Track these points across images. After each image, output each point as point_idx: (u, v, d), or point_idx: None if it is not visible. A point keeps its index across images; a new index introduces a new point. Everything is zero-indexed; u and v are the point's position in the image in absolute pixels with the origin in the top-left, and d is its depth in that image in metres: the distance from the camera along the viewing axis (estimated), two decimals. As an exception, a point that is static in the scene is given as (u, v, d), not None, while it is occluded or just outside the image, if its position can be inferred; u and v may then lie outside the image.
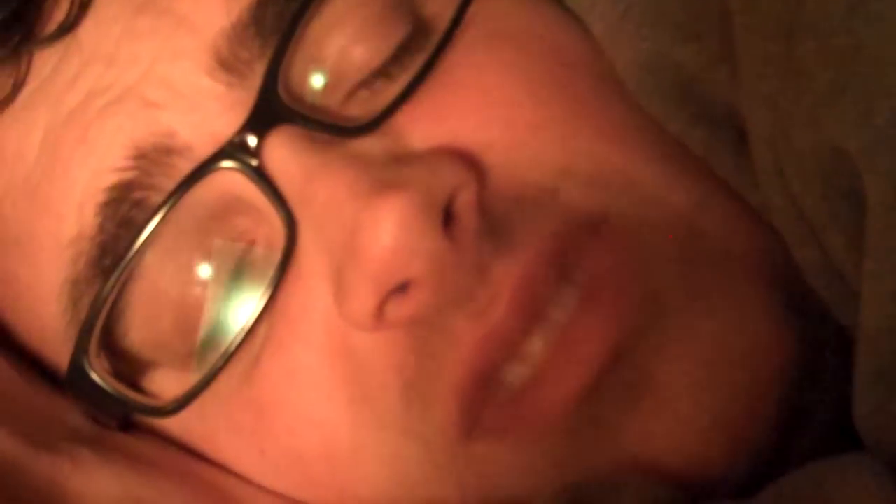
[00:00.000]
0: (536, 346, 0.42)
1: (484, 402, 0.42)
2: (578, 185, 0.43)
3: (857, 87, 0.36)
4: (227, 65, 0.43)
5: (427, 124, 0.44)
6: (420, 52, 0.45)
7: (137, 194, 0.43)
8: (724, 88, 0.41)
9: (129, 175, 0.43)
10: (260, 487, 0.46)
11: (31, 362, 0.48)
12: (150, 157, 0.43)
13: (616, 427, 0.42)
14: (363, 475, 0.44)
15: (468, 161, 0.43)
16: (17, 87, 0.44)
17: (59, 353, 0.46)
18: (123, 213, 0.43)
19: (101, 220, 0.43)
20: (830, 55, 0.37)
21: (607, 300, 0.42)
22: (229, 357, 0.43)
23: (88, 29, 0.44)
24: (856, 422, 0.39)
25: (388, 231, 0.40)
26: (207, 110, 0.43)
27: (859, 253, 0.37)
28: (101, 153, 0.43)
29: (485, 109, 0.44)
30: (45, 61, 0.44)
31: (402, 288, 0.41)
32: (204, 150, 0.43)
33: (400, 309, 0.41)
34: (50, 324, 0.46)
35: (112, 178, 0.43)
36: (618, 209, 0.43)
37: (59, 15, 0.44)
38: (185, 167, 0.43)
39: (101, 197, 0.43)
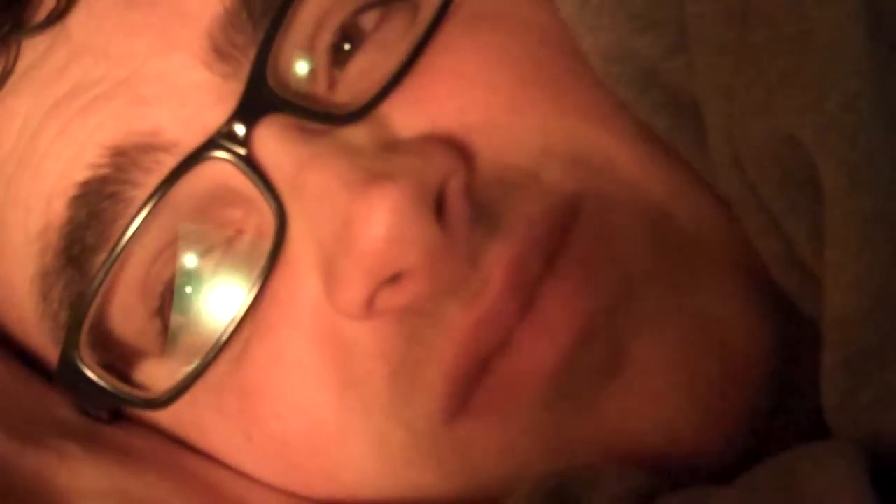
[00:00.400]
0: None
1: (472, 385, 0.42)
2: (559, 166, 0.43)
3: (808, 73, 0.36)
4: (223, 52, 0.43)
5: (411, 110, 0.44)
6: (406, 37, 0.45)
7: (111, 188, 0.43)
8: (683, 77, 0.41)
9: (102, 171, 0.43)
10: (247, 478, 0.47)
11: (15, 354, 0.48)
12: (129, 154, 0.43)
13: (592, 403, 0.42)
14: (348, 460, 0.44)
15: (455, 148, 0.43)
16: (4, 76, 0.44)
17: (40, 344, 0.46)
18: (95, 205, 0.43)
19: (71, 212, 0.44)
20: (782, 42, 0.36)
21: (578, 275, 0.42)
22: (220, 348, 0.43)
23: (80, 21, 0.44)
24: (825, 412, 0.38)
25: (382, 222, 0.40)
26: (200, 104, 0.43)
27: (820, 242, 0.37)
28: (76, 148, 0.44)
29: (465, 93, 0.44)
30: (32, 50, 0.44)
31: (393, 278, 0.41)
32: (192, 144, 0.43)
33: (392, 299, 0.41)
34: (27, 316, 0.46)
35: (86, 174, 0.43)
36: (595, 189, 0.43)
37: (49, 3, 0.44)
38: (169, 163, 0.43)
39: (72, 191, 0.44)
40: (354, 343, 0.43)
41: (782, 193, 0.38)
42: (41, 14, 0.44)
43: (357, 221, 0.40)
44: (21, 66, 0.45)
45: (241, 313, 0.43)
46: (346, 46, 0.45)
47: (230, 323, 0.43)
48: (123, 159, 0.43)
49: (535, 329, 0.42)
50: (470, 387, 0.42)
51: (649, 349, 0.42)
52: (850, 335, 0.37)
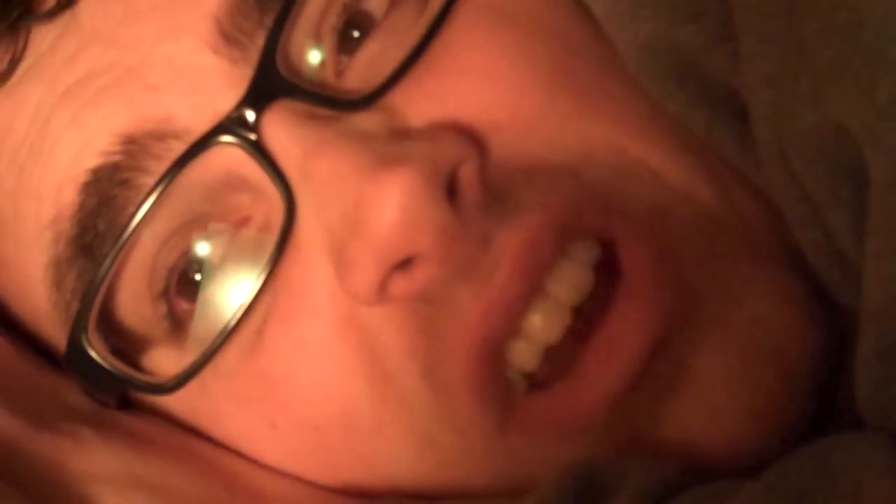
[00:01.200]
0: (536, 321, 0.42)
1: (495, 380, 0.42)
2: (602, 172, 0.43)
3: (858, 64, 0.36)
4: (231, 37, 0.43)
5: (429, 103, 0.44)
6: (416, 25, 0.44)
7: (123, 175, 0.43)
8: (725, 69, 0.41)
9: (114, 158, 0.43)
10: (261, 466, 0.46)
11: (28, 341, 0.48)
12: (140, 142, 0.43)
13: (653, 420, 0.42)
14: (387, 450, 0.44)
15: (469, 136, 0.43)
16: (14, 63, 0.44)
17: (53, 333, 0.46)
18: (106, 191, 0.43)
19: (81, 198, 0.43)
20: (831, 32, 0.36)
21: (647, 291, 0.42)
22: (228, 334, 0.43)
23: (89, 8, 0.44)
24: (858, 402, 0.38)
25: (394, 205, 0.40)
26: (210, 89, 0.43)
27: (862, 233, 0.37)
28: (88, 136, 0.43)
29: (490, 92, 0.44)
30: (42, 38, 0.44)
31: (405, 263, 0.41)
32: (204, 130, 0.43)
33: (405, 284, 0.41)
34: (38, 303, 0.46)
35: (96, 161, 0.43)
36: (644, 200, 0.43)
37: None
38: (180, 149, 0.43)
39: (83, 178, 0.43)
40: (377, 333, 0.42)
41: (827, 183, 0.38)
42: (51, 1, 0.44)
43: (369, 205, 0.40)
44: (32, 54, 0.44)
45: (250, 300, 0.43)
46: (356, 34, 0.45)
47: (238, 309, 0.43)
48: (135, 146, 0.43)
49: (602, 350, 0.42)
50: (489, 382, 0.42)
51: (710, 361, 0.42)
52: (886, 326, 0.37)
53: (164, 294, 0.45)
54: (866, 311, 0.37)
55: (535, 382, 0.43)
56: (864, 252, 0.37)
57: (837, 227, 0.38)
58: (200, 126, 0.43)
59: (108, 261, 0.43)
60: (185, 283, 0.45)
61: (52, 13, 0.44)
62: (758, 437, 0.43)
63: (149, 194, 0.42)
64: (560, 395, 0.42)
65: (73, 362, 0.45)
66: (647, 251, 0.42)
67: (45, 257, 0.45)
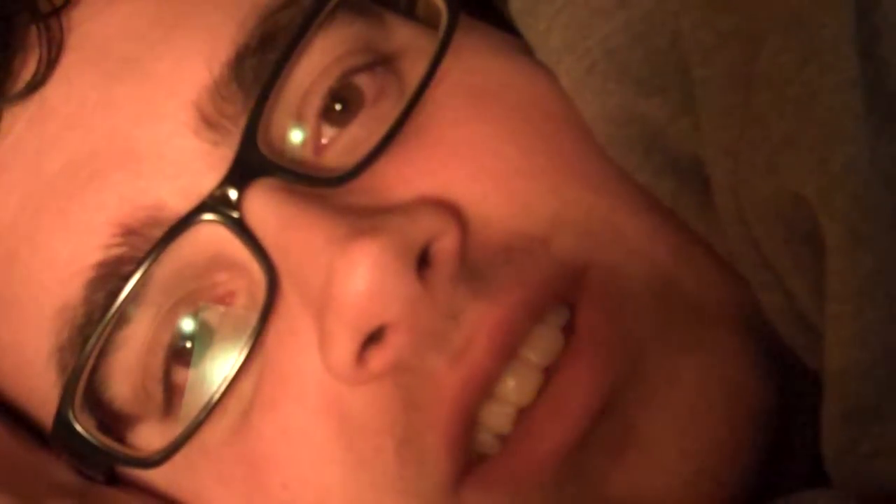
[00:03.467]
0: (510, 384, 0.43)
1: (469, 445, 0.43)
2: (570, 236, 0.44)
3: (812, 134, 0.37)
4: (212, 122, 0.44)
5: (411, 179, 0.44)
6: (397, 105, 0.45)
7: (126, 269, 0.43)
8: (688, 139, 0.42)
9: (116, 251, 0.44)
10: None
11: (16, 418, 0.48)
12: (140, 232, 0.43)
13: (602, 478, 0.43)
14: None
15: (450, 210, 0.43)
16: None
17: (45, 411, 0.46)
18: (112, 286, 0.43)
19: (87, 293, 0.44)
20: (786, 104, 0.38)
21: (594, 352, 0.42)
22: (211, 409, 0.44)
23: (60, 93, 0.45)
24: (825, 463, 0.39)
25: (362, 276, 0.40)
26: (194, 172, 0.43)
27: (822, 297, 0.38)
28: (84, 230, 0.44)
29: (470, 165, 0.44)
30: (15, 120, 0.45)
31: (380, 335, 0.41)
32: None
33: (380, 356, 0.42)
34: (37, 385, 0.46)
35: (98, 255, 0.44)
36: (603, 260, 0.44)
37: (26, 75, 0.45)
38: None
39: (88, 273, 0.44)
40: (359, 417, 0.43)
41: (786, 249, 0.39)
42: (19, 85, 0.45)
43: (338, 275, 0.41)
44: (8, 141, 0.45)
45: (232, 374, 0.43)
46: (338, 107, 0.45)
47: (222, 383, 0.43)
48: (135, 238, 0.44)
49: (550, 408, 0.42)
50: (466, 445, 0.43)
51: (660, 419, 0.43)
52: (849, 388, 0.38)
53: (164, 375, 0.45)
54: (829, 373, 0.38)
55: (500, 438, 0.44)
56: (825, 316, 0.38)
57: (798, 291, 0.39)
58: (189, 208, 0.43)
59: (93, 339, 0.43)
60: (177, 360, 0.45)
61: (22, 95, 0.44)
62: (709, 495, 0.43)
63: (134, 272, 0.43)
64: (511, 451, 0.43)
65: (59, 438, 0.45)
66: (600, 315, 0.43)
67: (50, 344, 0.45)
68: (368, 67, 0.46)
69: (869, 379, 0.37)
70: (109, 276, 0.44)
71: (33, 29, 0.45)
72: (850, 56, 0.37)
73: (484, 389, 0.42)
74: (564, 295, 0.43)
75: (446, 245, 0.42)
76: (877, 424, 0.38)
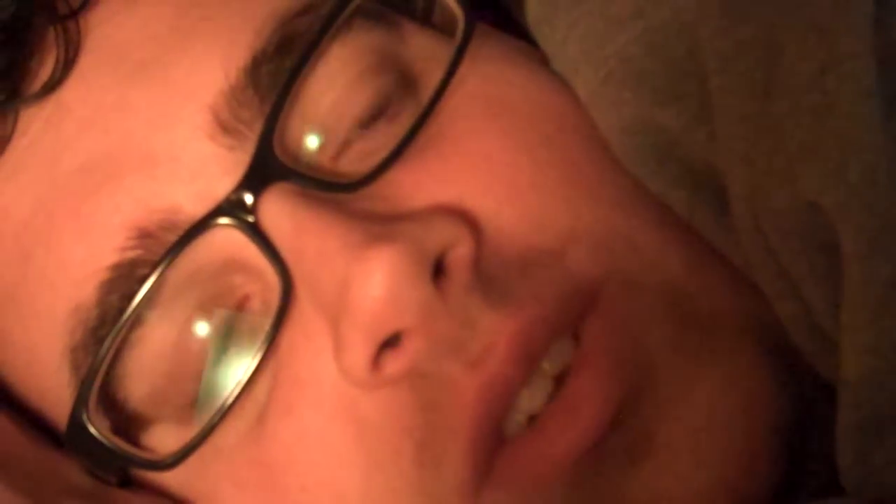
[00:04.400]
0: (523, 393, 0.43)
1: (492, 451, 0.43)
2: (585, 249, 0.44)
3: (830, 144, 0.37)
4: (228, 126, 0.44)
5: (428, 188, 0.44)
6: (412, 111, 0.45)
7: (141, 272, 0.44)
8: (704, 149, 0.42)
9: (132, 254, 0.44)
10: None
11: (30, 418, 0.49)
12: (155, 235, 0.44)
13: (617, 486, 0.43)
14: None
15: (467, 220, 0.43)
16: (2, 144, 0.45)
17: (59, 412, 0.46)
18: (126, 289, 0.44)
19: (101, 294, 0.44)
20: (804, 113, 0.38)
21: (604, 361, 0.42)
22: (226, 411, 0.44)
23: (77, 95, 0.45)
24: (839, 473, 0.39)
25: (378, 282, 0.41)
26: (210, 176, 0.44)
27: (838, 306, 0.38)
28: (99, 232, 0.44)
29: (488, 176, 0.44)
30: (32, 121, 0.45)
31: (395, 341, 0.42)
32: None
33: (396, 361, 0.42)
34: (50, 385, 0.46)
35: (113, 258, 0.44)
36: (618, 273, 0.44)
37: (44, 75, 0.45)
38: None
39: (102, 275, 0.44)
40: (376, 422, 0.43)
41: (802, 259, 0.39)
42: (36, 85, 0.45)
43: (354, 282, 0.41)
44: (25, 140, 0.45)
45: (247, 378, 0.43)
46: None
47: (235, 387, 0.44)
48: (150, 241, 0.44)
49: (563, 415, 0.42)
50: (489, 451, 0.43)
51: (675, 430, 0.43)
52: (864, 398, 0.38)
53: (178, 378, 0.45)
54: (844, 382, 0.38)
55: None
56: (841, 325, 0.38)
57: (814, 300, 0.39)
58: (205, 212, 0.44)
59: (108, 341, 0.43)
60: (193, 360, 0.45)
61: (39, 95, 0.45)
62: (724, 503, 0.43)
63: (149, 275, 0.43)
64: (528, 451, 0.42)
65: (73, 439, 0.45)
66: (610, 324, 0.43)
67: (62, 344, 0.45)
68: (383, 74, 0.46)
69: (884, 388, 0.38)
70: (124, 278, 0.44)
71: (51, 30, 0.45)
72: (868, 65, 0.37)
73: (506, 397, 0.42)
74: (579, 309, 0.43)
75: (461, 254, 0.42)
76: (891, 434, 0.38)
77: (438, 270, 0.42)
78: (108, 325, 0.44)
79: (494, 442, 0.43)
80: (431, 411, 0.42)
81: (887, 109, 0.37)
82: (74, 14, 0.45)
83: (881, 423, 0.38)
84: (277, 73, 0.44)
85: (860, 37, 0.37)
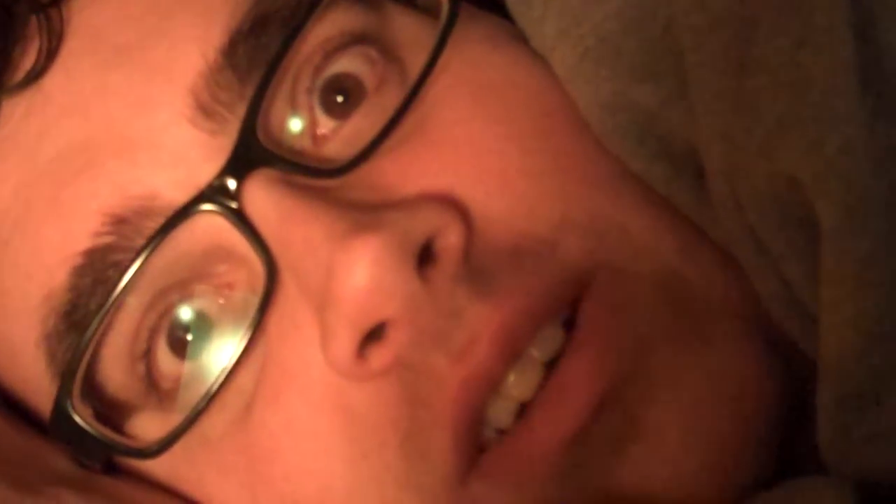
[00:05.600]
0: (510, 379, 0.42)
1: (475, 441, 0.43)
2: (576, 237, 0.43)
3: (807, 118, 0.37)
4: (208, 110, 0.43)
5: (416, 175, 0.44)
6: (399, 96, 0.45)
7: (115, 257, 0.43)
8: (682, 125, 0.42)
9: (105, 240, 0.44)
10: None
11: (13, 405, 0.48)
12: (131, 221, 0.43)
13: (607, 471, 0.43)
14: None
15: (454, 207, 0.43)
16: None
17: (41, 399, 0.46)
18: (99, 273, 0.43)
19: (74, 280, 0.44)
20: (780, 88, 0.38)
21: (596, 347, 0.42)
22: (210, 398, 0.44)
23: (58, 83, 0.44)
24: (819, 448, 0.39)
25: (362, 271, 0.40)
26: (190, 161, 0.43)
27: (817, 282, 0.38)
28: (74, 217, 0.44)
29: (476, 163, 0.44)
30: (12, 109, 0.45)
31: (381, 331, 0.41)
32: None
33: (381, 352, 0.42)
34: (30, 374, 0.46)
35: (88, 243, 0.44)
36: (610, 259, 0.44)
37: (26, 64, 0.45)
38: None
39: (75, 261, 0.44)
40: (362, 412, 0.43)
41: (781, 234, 0.39)
42: (19, 75, 0.45)
43: (338, 270, 0.41)
44: (5, 130, 0.45)
45: (231, 364, 0.43)
46: (339, 98, 0.45)
47: (220, 374, 0.44)
48: (126, 227, 0.43)
49: (552, 399, 0.42)
50: (473, 441, 0.43)
51: (664, 414, 0.43)
52: (844, 373, 0.38)
53: (144, 356, 0.45)
54: (824, 358, 0.38)
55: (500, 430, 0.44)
56: (820, 300, 0.38)
57: (794, 277, 0.39)
58: (185, 199, 0.43)
59: (90, 329, 0.43)
60: (175, 347, 0.45)
61: (21, 85, 0.44)
62: (714, 489, 0.43)
63: (132, 262, 0.43)
64: (513, 444, 0.42)
65: (57, 427, 0.45)
66: (601, 309, 0.43)
67: (37, 333, 0.45)
68: (352, 44, 0.45)
69: (863, 363, 0.37)
70: (97, 263, 0.43)
71: (33, 19, 0.45)
72: (845, 38, 0.37)
73: (489, 388, 0.42)
74: (570, 298, 0.43)
75: (450, 242, 0.42)
76: (871, 409, 0.38)
77: (427, 259, 0.42)
78: (81, 309, 0.44)
79: (479, 433, 0.43)
80: (417, 403, 0.42)
81: (864, 82, 0.37)
82: (57, 2, 0.45)
83: (860, 399, 0.38)
84: (255, 52, 0.44)
85: (836, 9, 0.37)
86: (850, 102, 0.37)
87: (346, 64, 0.45)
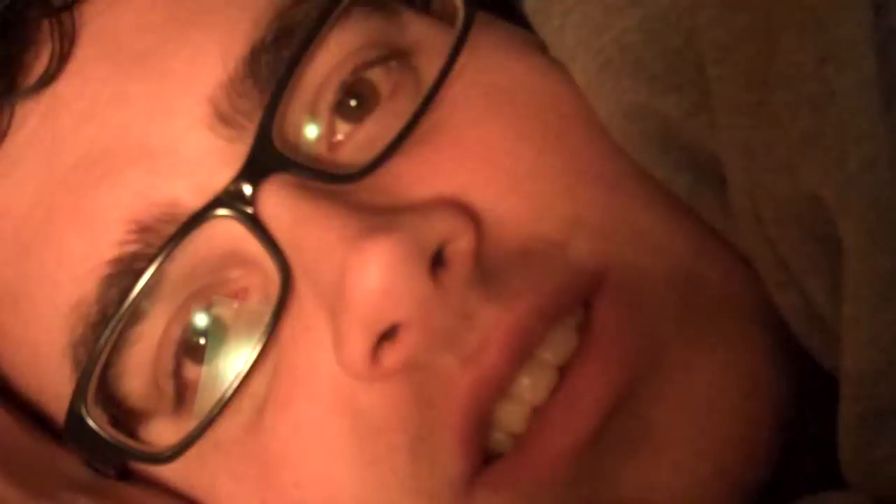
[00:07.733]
0: (524, 383, 0.42)
1: (482, 445, 0.43)
2: (587, 238, 0.43)
3: (829, 134, 0.37)
4: (227, 118, 0.44)
5: (429, 179, 0.44)
6: (413, 101, 0.45)
7: (140, 265, 0.43)
8: (705, 136, 0.42)
9: (131, 248, 0.44)
10: None
11: (29, 412, 0.49)
12: (154, 229, 0.43)
13: (616, 477, 0.42)
14: None
15: (467, 212, 0.43)
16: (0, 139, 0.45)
17: (58, 405, 0.46)
18: (126, 284, 0.43)
19: (102, 290, 0.44)
20: (803, 104, 0.37)
21: (609, 350, 0.42)
22: (225, 404, 0.44)
23: (74, 88, 0.45)
24: (841, 466, 0.39)
25: (375, 273, 0.40)
26: (209, 168, 0.43)
27: (839, 298, 0.38)
28: (98, 226, 0.44)
29: (489, 165, 0.44)
30: (29, 115, 0.45)
31: (393, 334, 0.41)
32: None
33: (393, 354, 0.42)
34: (50, 380, 0.46)
35: (113, 252, 0.44)
36: (622, 260, 0.43)
37: (39, 69, 0.45)
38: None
39: (103, 270, 0.44)
40: (372, 416, 0.43)
41: (802, 250, 0.39)
42: (32, 79, 0.45)
43: (351, 273, 0.41)
44: (21, 135, 0.45)
45: (245, 370, 0.43)
46: (353, 102, 0.45)
47: (234, 380, 0.44)
48: (149, 235, 0.43)
49: (562, 405, 0.42)
50: (479, 444, 0.43)
51: (675, 417, 0.42)
52: (866, 391, 0.38)
53: (175, 372, 0.45)
54: (846, 375, 0.38)
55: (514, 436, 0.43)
56: (842, 317, 0.38)
57: (814, 292, 0.39)
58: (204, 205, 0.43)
59: (106, 333, 0.43)
60: (191, 356, 0.45)
61: (34, 89, 0.44)
62: (723, 494, 0.43)
63: (148, 267, 0.43)
64: (524, 450, 0.42)
65: (72, 432, 0.45)
66: (614, 312, 0.43)
67: (64, 340, 0.45)
68: (382, 61, 0.46)
69: (885, 381, 0.37)
70: (124, 272, 0.44)
71: (46, 23, 0.45)
72: (867, 54, 0.36)
73: (497, 391, 0.42)
74: (582, 298, 0.43)
75: (461, 247, 0.42)
76: (893, 427, 0.37)
77: (439, 262, 0.42)
78: (109, 319, 0.44)
79: (486, 437, 0.43)
80: (426, 406, 0.42)
81: (887, 98, 0.37)
82: (69, 6, 0.45)
83: (882, 417, 0.38)
84: (276, 63, 0.44)
85: (859, 25, 0.37)
86: (873, 119, 0.36)
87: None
